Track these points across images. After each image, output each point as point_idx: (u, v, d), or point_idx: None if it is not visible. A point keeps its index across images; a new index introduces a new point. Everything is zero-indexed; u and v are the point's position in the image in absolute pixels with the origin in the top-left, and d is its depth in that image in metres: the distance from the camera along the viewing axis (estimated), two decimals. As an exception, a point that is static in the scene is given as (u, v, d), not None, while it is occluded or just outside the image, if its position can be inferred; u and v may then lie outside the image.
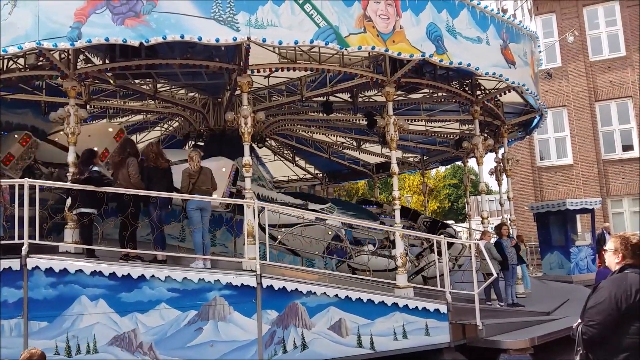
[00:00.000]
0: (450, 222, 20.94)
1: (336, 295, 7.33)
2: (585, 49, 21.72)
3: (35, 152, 10.19)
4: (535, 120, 13.16)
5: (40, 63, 8.87)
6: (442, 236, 8.84)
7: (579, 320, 3.61)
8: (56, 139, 10.20)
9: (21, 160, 10.00)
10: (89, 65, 8.68)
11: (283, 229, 9.18)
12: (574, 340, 3.67)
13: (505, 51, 9.66)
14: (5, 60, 9.06)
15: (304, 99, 11.31)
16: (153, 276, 6.67)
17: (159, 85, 11.41)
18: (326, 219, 9.93)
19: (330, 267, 10.03)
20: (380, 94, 10.32)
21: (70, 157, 7.87)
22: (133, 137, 15.12)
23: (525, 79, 10.19)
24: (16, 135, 10.23)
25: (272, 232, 8.98)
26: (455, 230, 15.07)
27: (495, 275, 8.65)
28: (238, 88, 8.30)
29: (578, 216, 16.59)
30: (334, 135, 16.00)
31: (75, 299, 6.45)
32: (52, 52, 7.79)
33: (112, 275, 6.57)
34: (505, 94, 10.82)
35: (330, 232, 9.80)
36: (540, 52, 13.02)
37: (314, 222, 9.62)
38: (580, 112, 21.58)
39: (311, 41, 7.48)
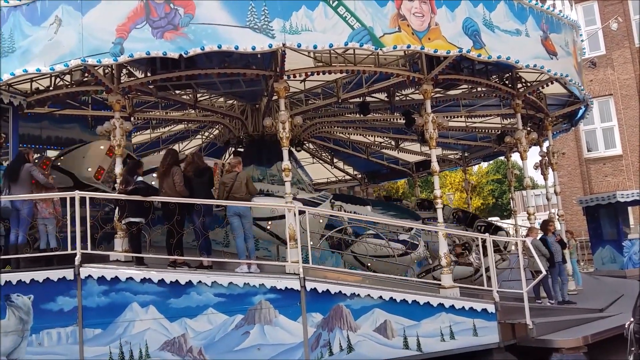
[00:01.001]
0: (495, 218, 20.50)
1: (380, 297, 7.29)
2: (630, 34, 20.88)
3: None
4: (581, 111, 12.73)
5: (85, 79, 9.22)
6: (487, 234, 8.67)
7: (631, 319, 3.48)
8: (59, 164, 10.26)
9: (112, 173, 9.75)
10: (132, 78, 8.96)
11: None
12: (627, 337, 3.55)
13: (546, 42, 9.39)
14: (53, 78, 9.45)
15: (340, 101, 11.33)
16: (200, 282, 6.82)
17: (198, 95, 11.67)
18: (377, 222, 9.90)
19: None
20: (417, 92, 10.23)
21: (117, 169, 8.14)
22: (175, 146, 15.55)
23: (568, 69, 9.88)
24: (102, 147, 10.20)
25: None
26: (508, 233, 14.70)
27: (544, 272, 8.42)
28: (275, 94, 8.40)
29: (630, 208, 15.99)
30: (372, 136, 15.95)
31: (127, 306, 6.67)
32: (96, 68, 8.09)
33: (161, 282, 6.75)
34: (547, 85, 10.51)
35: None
36: (582, 40, 12.59)
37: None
38: (627, 100, 20.74)
39: (346, 43, 7.49)
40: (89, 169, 10.01)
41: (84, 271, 6.70)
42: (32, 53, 7.72)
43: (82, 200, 7.11)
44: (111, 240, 8.05)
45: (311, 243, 7.93)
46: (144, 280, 6.74)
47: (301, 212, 7.72)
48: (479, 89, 10.85)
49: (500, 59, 8.47)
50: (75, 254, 6.80)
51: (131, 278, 6.73)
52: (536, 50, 9.12)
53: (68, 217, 7.01)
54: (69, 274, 6.66)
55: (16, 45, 7.86)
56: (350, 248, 9.73)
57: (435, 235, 10.19)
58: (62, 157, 10.69)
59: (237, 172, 8.02)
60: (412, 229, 10.23)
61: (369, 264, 9.09)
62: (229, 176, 8.04)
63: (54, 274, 6.66)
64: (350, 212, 10.88)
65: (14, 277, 6.61)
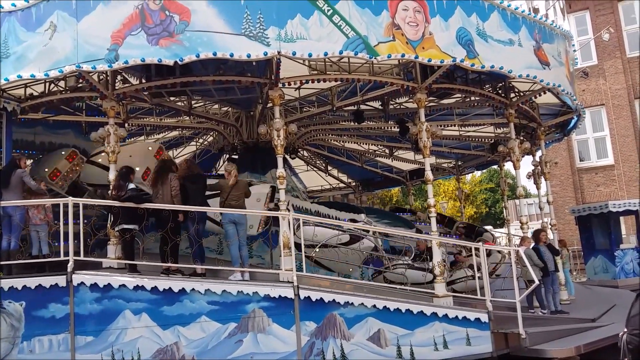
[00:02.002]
0: (488, 227, 20.57)
1: (374, 306, 7.28)
2: (622, 45, 21.12)
3: (81, 169, 10.57)
4: (573, 121, 12.83)
5: (80, 85, 9.20)
6: (480, 243, 8.69)
7: (625, 329, 3.50)
8: (99, 160, 10.57)
9: (67, 177, 10.49)
10: (127, 85, 8.94)
11: (317, 242, 9.13)
12: (620, 348, 3.57)
13: (539, 52, 9.48)
14: (47, 84, 9.43)
15: (334, 109, 11.35)
16: (193, 289, 6.80)
17: (193, 102, 11.65)
18: (361, 232, 9.86)
19: (366, 277, 9.93)
20: (411, 100, 10.27)
21: (111, 175, 8.11)
22: (170, 152, 15.50)
23: (560, 79, 9.96)
24: (63, 152, 10.74)
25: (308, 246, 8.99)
26: (493, 235, 14.79)
27: (537, 282, 8.44)
28: (270, 101, 8.41)
29: (622, 218, 16.06)
30: (366, 144, 15.98)
31: (120, 313, 6.64)
32: (91, 74, 8.08)
33: (154, 289, 6.73)
34: (540, 95, 10.59)
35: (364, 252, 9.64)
36: (575, 50, 12.73)
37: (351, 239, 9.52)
38: (619, 110, 20.95)
39: (340, 52, 7.52)
40: (46, 170, 10.53)
41: (77, 278, 6.67)
42: (27, 59, 7.71)
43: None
44: (104, 247, 8.01)
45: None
46: (136, 288, 6.71)
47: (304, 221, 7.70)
48: (473, 98, 10.91)
49: (494, 68, 8.53)
50: (67, 261, 6.76)
51: (124, 285, 6.70)
52: (529, 60, 9.20)
53: (61, 223, 6.97)
54: (61, 280, 6.64)
55: (10, 51, 7.85)
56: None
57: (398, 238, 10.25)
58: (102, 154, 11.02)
59: (235, 179, 8.01)
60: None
61: (313, 254, 9.04)
62: (225, 182, 8.03)
63: (46, 281, 6.63)
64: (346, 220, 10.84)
65: (5, 283, 6.57)
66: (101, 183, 10.14)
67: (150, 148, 10.89)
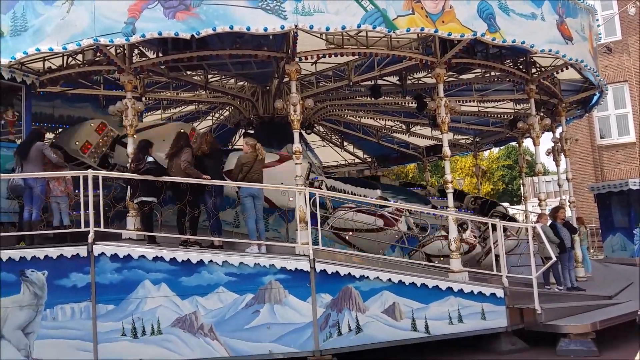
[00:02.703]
0: (505, 204, 20.43)
1: (389, 280, 7.33)
2: (647, 20, 20.49)
3: (111, 141, 10.57)
4: (595, 97, 12.57)
5: (97, 59, 9.24)
6: (497, 219, 8.66)
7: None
8: (54, 141, 10.78)
9: (98, 149, 10.47)
10: (144, 59, 8.95)
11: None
12: (639, 326, 3.55)
13: (562, 26, 9.26)
14: (65, 57, 9.48)
15: (351, 84, 11.26)
16: (211, 261, 6.90)
17: (209, 76, 11.65)
18: (385, 206, 9.87)
19: (403, 254, 9.89)
20: (430, 75, 10.14)
21: (130, 149, 8.19)
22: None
23: (583, 54, 9.74)
24: (92, 124, 10.67)
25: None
26: (506, 209, 14.67)
27: (554, 258, 8.41)
28: (286, 76, 8.37)
29: (642, 196, 15.81)
30: (383, 119, 15.87)
31: (139, 283, 6.77)
32: (108, 48, 8.09)
33: (173, 260, 6.84)
34: (562, 71, 10.39)
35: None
36: (598, 25, 12.38)
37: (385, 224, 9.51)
38: (643, 87, 20.46)
39: (358, 25, 7.43)
40: (77, 142, 10.44)
41: (97, 249, 6.80)
42: (45, 32, 7.74)
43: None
44: (123, 219, 8.14)
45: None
46: (156, 259, 6.83)
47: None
48: (493, 73, 10.74)
49: (515, 43, 8.37)
50: (88, 232, 6.89)
51: (143, 256, 6.82)
52: (551, 35, 9.00)
53: (81, 195, 7.09)
54: (82, 251, 6.77)
55: (28, 24, 7.88)
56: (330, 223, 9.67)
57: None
58: (57, 135, 11.30)
59: (258, 154, 8.04)
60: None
61: (347, 237, 9.07)
62: (248, 156, 8.06)
63: (68, 251, 6.77)
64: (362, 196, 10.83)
65: (28, 253, 6.72)
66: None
67: (92, 124, 10.73)
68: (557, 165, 12.11)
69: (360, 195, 10.77)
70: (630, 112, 20.79)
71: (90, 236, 6.84)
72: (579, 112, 13.75)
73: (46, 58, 9.38)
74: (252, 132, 12.97)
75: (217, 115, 15.67)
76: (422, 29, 7.70)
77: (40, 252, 6.73)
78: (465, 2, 7.97)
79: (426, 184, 17.27)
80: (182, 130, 8.49)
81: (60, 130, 12.07)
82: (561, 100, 11.77)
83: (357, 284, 7.20)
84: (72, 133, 10.85)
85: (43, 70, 9.54)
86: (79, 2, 7.51)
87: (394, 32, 7.56)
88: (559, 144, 11.93)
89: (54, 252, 6.75)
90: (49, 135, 11.62)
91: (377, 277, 7.30)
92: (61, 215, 7.93)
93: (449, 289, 7.55)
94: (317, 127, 16.20)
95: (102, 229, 7.06)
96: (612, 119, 21.22)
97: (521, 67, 10.24)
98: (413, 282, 7.42)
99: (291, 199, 8.73)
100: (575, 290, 9.33)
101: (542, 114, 12.12)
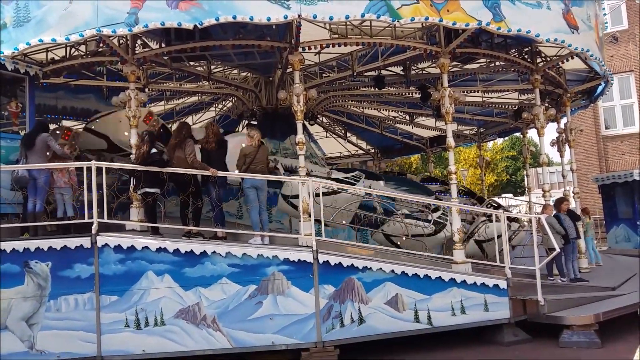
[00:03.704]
0: (508, 195, 20.38)
1: (392, 271, 7.33)
2: (655, 8, 20.29)
3: (78, 142, 10.35)
4: (600, 88, 12.47)
5: (100, 49, 9.21)
6: (501, 210, 8.63)
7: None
8: (93, 127, 10.52)
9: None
10: (147, 49, 8.92)
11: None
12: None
13: (568, 15, 9.14)
14: (68, 48, 9.45)
15: (355, 74, 11.19)
16: (214, 252, 6.91)
17: (212, 67, 11.60)
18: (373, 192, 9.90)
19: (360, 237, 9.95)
20: (434, 65, 10.07)
21: (133, 140, 8.18)
22: (189, 118, 15.57)
23: (589, 44, 9.64)
24: (58, 132, 10.43)
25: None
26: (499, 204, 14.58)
27: (558, 250, 8.38)
28: (289, 66, 8.32)
29: (647, 187, 15.74)
30: (386, 110, 15.81)
31: (143, 274, 6.80)
32: (111, 38, 8.07)
33: (176, 251, 6.86)
34: (567, 60, 10.28)
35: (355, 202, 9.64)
36: (605, 14, 12.25)
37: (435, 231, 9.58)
38: (649, 77, 20.29)
39: (362, 15, 7.37)
40: (126, 133, 9.77)
41: (101, 240, 6.82)
42: (47, 23, 7.69)
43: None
44: (126, 210, 8.15)
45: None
46: (159, 250, 6.85)
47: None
48: (497, 63, 10.66)
49: (521, 32, 8.27)
50: (92, 223, 6.91)
51: (147, 247, 6.84)
52: (557, 24, 8.89)
53: (85, 186, 7.10)
54: (86, 242, 6.79)
55: (31, 15, 7.83)
56: (382, 227, 9.73)
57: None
58: (97, 121, 10.72)
59: (260, 144, 8.03)
60: (439, 208, 10.14)
61: (399, 243, 9.11)
62: (250, 147, 8.05)
63: (72, 242, 6.80)
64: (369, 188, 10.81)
65: (32, 244, 6.75)
66: (97, 149, 10.17)
67: (184, 120, 10.67)
68: (562, 156, 12.05)
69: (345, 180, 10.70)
70: (635, 103, 20.65)
71: (94, 227, 6.86)
72: (584, 102, 13.66)
73: (49, 49, 9.35)
74: (255, 123, 12.93)
75: (220, 106, 15.64)
76: (427, 18, 7.62)
77: (44, 243, 6.76)
78: (471, -10, 7.89)
79: (439, 177, 17.17)
80: (183, 120, 8.47)
81: (99, 116, 11.13)
82: (566, 90, 11.68)
83: (360, 275, 7.20)
84: (117, 120, 10.23)
85: (46, 61, 9.52)
86: (81, -8, 7.46)
87: (398, 21, 7.49)
88: (563, 135, 11.87)
89: (58, 243, 6.78)
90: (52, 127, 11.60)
91: (380, 269, 7.30)
92: (65, 206, 7.97)
93: (452, 280, 7.55)
94: (321, 118, 16.15)
95: (105, 220, 7.08)
96: (618, 109, 21.08)
97: (526, 56, 10.15)
98: (416, 274, 7.41)
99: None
100: (578, 282, 9.32)
101: (546, 104, 12.06)
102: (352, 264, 7.19)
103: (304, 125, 8.31)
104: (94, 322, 6.69)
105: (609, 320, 7.59)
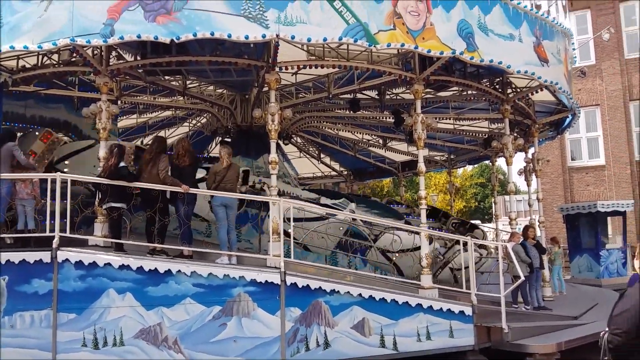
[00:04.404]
0: (477, 222, 20.67)
1: (360, 295, 7.30)
2: (620, 46, 21.12)
3: (56, 149, 10.27)
4: (568, 120, 12.85)
5: (73, 59, 9.04)
6: (468, 237, 8.72)
7: (606, 329, 3.52)
8: None
9: (43, 158, 10.04)
10: (121, 61, 8.81)
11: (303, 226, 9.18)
12: (601, 347, 3.58)
13: (539, 48, 9.45)
14: (40, 56, 9.26)
15: (331, 96, 11.27)
16: (179, 271, 6.76)
17: (188, 82, 11.52)
18: (347, 216, 9.90)
19: (353, 264, 9.95)
20: (408, 91, 10.22)
21: (102, 153, 8.01)
22: (162, 133, 15.37)
23: (558, 77, 9.95)
24: (37, 133, 10.33)
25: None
26: (484, 233, 14.83)
27: (523, 278, 8.49)
28: (266, 85, 8.32)
29: (609, 218, 16.18)
30: (360, 133, 15.93)
31: (103, 292, 6.58)
32: (85, 49, 7.92)
33: (140, 269, 6.67)
34: (537, 92, 10.59)
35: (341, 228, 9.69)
36: (574, 49, 12.69)
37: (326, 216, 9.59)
38: (613, 111, 21.01)
39: (340, 38, 7.44)
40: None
41: (62, 255, 6.59)
42: (21, 30, 7.53)
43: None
44: (91, 224, 7.93)
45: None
46: (122, 267, 6.65)
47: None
48: (470, 92, 10.89)
49: (493, 63, 8.49)
50: (53, 237, 6.69)
51: (109, 264, 6.64)
52: (528, 56, 9.17)
53: (48, 198, 6.88)
54: (45, 256, 6.55)
55: (4, 21, 7.65)
56: (377, 243, 9.75)
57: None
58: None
59: (230, 162, 7.96)
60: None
61: (394, 258, 9.10)
62: (220, 166, 7.97)
63: (31, 256, 6.54)
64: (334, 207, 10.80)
65: (-12, 257, 6.48)
66: None
67: (37, 133, 10.47)
68: (528, 185, 12.30)
69: (333, 206, 10.73)
70: (601, 136, 21.32)
71: (55, 241, 6.63)
72: (552, 133, 14.03)
73: (20, 56, 9.14)
74: (228, 140, 12.84)
75: (194, 122, 15.50)
76: (403, 45, 7.75)
77: (2, 257, 6.48)
78: (446, 20, 8.07)
79: (403, 200, 17.33)
80: (158, 135, 8.35)
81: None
82: (535, 121, 11.98)
83: (327, 298, 7.14)
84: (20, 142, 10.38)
85: (17, 68, 9.30)
86: (57, 1, 7.34)
87: (374, 46, 7.60)
88: (530, 164, 12.13)
89: (16, 256, 6.51)
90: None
91: (348, 292, 7.26)
92: (26, 218, 7.71)
93: (419, 305, 7.56)
94: (295, 138, 16.16)
95: (67, 234, 6.86)
96: (584, 142, 21.71)
97: (497, 87, 10.40)
98: (383, 298, 7.40)
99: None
100: (542, 310, 9.44)
101: (515, 134, 12.34)
102: (320, 287, 7.14)
103: (277, 145, 8.27)
104: (50, 340, 6.40)
105: (571, 349, 7.69)
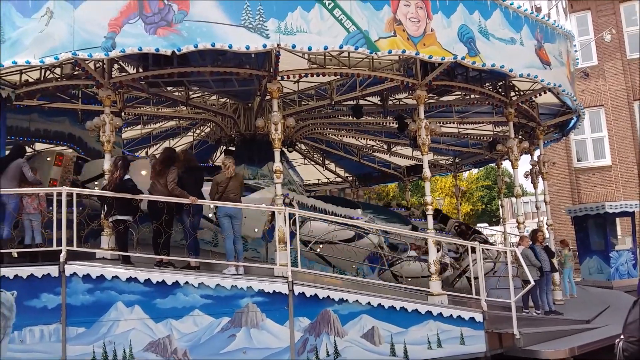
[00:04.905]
0: (483, 225, 20.57)
1: (368, 303, 7.25)
2: (622, 46, 21.06)
3: (73, 166, 10.13)
4: (572, 121, 12.80)
5: (76, 73, 9.07)
6: (477, 242, 8.65)
7: (621, 336, 3.47)
8: None
9: (64, 180, 9.83)
10: (123, 74, 8.83)
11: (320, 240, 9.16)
12: (616, 355, 3.53)
13: (540, 51, 9.41)
14: (43, 71, 9.31)
15: (333, 103, 11.27)
16: (187, 283, 6.74)
17: (190, 92, 11.55)
18: (364, 229, 9.84)
19: (369, 274, 9.89)
20: (411, 96, 10.20)
21: (106, 165, 8.02)
22: (166, 143, 15.41)
23: (561, 79, 9.91)
24: (48, 158, 10.12)
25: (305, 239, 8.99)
26: (486, 238, 14.74)
27: (533, 282, 8.42)
28: (268, 94, 8.32)
29: (618, 219, 16.06)
30: (364, 139, 15.91)
31: (112, 305, 6.57)
32: (87, 62, 7.96)
33: (147, 281, 6.66)
34: (540, 95, 10.55)
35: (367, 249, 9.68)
36: (576, 51, 12.65)
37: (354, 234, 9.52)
38: (618, 111, 20.92)
39: (341, 46, 7.44)
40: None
41: (69, 268, 6.59)
42: (22, 45, 7.58)
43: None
44: (97, 237, 7.93)
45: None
46: (129, 280, 6.64)
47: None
48: (472, 96, 10.85)
49: (495, 67, 8.47)
50: (60, 251, 6.68)
51: (117, 277, 6.63)
52: (530, 59, 9.14)
53: (54, 213, 6.89)
54: (53, 270, 6.55)
55: (6, 37, 7.71)
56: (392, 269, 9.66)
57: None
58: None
59: (233, 172, 7.95)
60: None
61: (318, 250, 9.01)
62: (222, 176, 7.96)
63: (38, 271, 6.55)
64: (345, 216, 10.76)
65: (-4, 272, 6.48)
66: None
67: (48, 158, 10.10)
68: (535, 187, 12.23)
69: (341, 215, 10.70)
70: (606, 136, 21.22)
71: (62, 255, 6.63)
72: (557, 135, 13.97)
73: (23, 71, 9.19)
74: (232, 149, 12.85)
75: (198, 131, 15.54)
76: (404, 51, 7.74)
77: (10, 272, 6.50)
78: (446, 25, 8.06)
79: (407, 204, 17.28)
80: (169, 148, 8.34)
81: (45, 144, 11.39)
82: (539, 123, 11.93)
83: (336, 308, 7.09)
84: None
85: (20, 83, 9.34)
86: (58, 15, 7.37)
87: (375, 53, 7.59)
88: (536, 167, 12.07)
89: (24, 271, 6.53)
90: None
91: (357, 301, 7.21)
92: (33, 233, 7.72)
93: (429, 312, 7.49)
94: (299, 145, 16.16)
95: (74, 247, 6.86)
96: (589, 143, 21.61)
97: (500, 90, 10.37)
98: (392, 306, 7.34)
99: (256, 229, 8.58)
100: (553, 314, 9.35)
101: (520, 137, 12.29)
102: (328, 296, 7.09)
103: (282, 152, 8.26)
104: (59, 354, 6.40)
105: (584, 354, 7.60)
